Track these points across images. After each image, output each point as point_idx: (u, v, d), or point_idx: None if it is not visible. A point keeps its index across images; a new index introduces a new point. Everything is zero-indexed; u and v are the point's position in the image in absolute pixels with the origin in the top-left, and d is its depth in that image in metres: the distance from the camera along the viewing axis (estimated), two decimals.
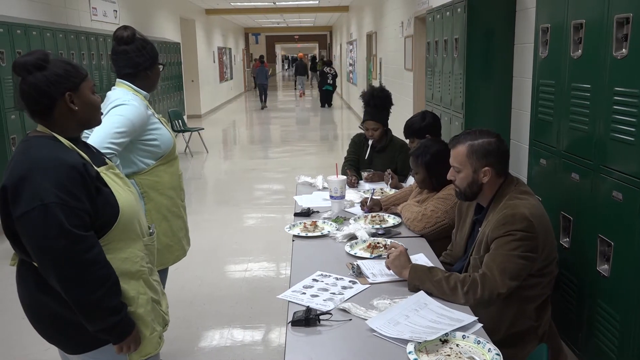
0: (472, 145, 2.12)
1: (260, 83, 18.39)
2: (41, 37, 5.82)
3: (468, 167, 2.13)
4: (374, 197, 3.02)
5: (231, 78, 21.24)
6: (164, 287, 2.83)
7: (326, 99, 17.80)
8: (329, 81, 17.39)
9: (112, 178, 1.73)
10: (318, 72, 18.67)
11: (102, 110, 1.99)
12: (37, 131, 1.66)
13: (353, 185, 3.50)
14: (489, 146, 2.11)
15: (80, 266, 1.55)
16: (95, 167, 1.67)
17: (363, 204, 3.00)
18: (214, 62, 17.58)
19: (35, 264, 1.61)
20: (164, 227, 2.51)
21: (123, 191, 1.73)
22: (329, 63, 18.83)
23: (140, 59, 2.44)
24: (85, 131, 1.97)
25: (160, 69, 2.54)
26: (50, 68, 1.62)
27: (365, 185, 3.55)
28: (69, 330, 1.67)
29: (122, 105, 2.33)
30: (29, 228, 1.53)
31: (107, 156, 2.26)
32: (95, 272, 1.58)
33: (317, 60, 18.60)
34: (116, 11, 9.14)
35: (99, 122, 1.79)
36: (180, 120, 10.04)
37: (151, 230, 1.88)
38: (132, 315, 1.70)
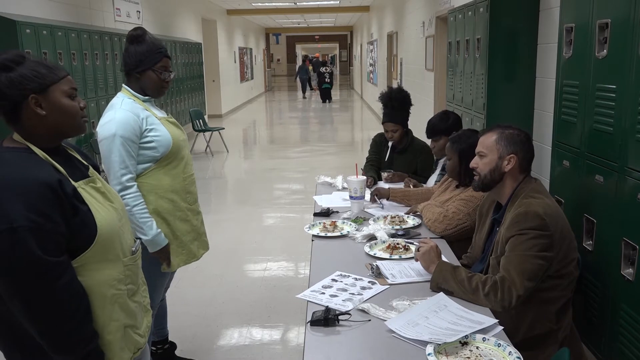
0: (502, 133, 2.18)
1: (302, 77, 23.00)
2: (66, 37, 5.92)
3: (494, 152, 2.17)
4: (382, 186, 3.09)
5: (252, 78, 21.35)
6: (167, 290, 2.82)
7: (326, 96, 19.74)
8: (327, 80, 19.46)
9: (91, 193, 1.57)
10: (316, 73, 21.10)
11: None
12: (12, 140, 1.52)
13: (369, 186, 3.50)
14: (518, 137, 2.17)
15: (50, 295, 1.42)
16: (73, 182, 1.51)
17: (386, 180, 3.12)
18: (235, 62, 17.69)
19: None
20: (164, 231, 2.44)
21: (103, 208, 1.57)
22: (324, 63, 20.87)
23: (129, 59, 2.41)
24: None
25: (156, 76, 2.41)
26: (18, 69, 1.47)
27: (385, 186, 3.54)
28: (28, 348, 1.52)
29: (106, 127, 2.32)
30: None
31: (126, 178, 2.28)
32: (66, 301, 1.45)
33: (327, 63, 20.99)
34: (139, 12, 9.26)
35: (77, 130, 1.59)
36: (201, 120, 10.13)
37: (133, 249, 1.70)
38: (101, 341, 1.56)
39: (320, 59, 24.23)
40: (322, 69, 19.79)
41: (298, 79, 24.12)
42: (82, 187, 1.55)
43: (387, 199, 3.08)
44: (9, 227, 1.36)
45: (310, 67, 24.14)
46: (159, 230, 2.38)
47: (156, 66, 2.40)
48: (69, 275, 1.46)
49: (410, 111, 3.76)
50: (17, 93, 1.47)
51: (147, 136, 2.38)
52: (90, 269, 1.52)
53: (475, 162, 2.24)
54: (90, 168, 1.68)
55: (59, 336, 1.46)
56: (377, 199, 3.11)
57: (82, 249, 1.50)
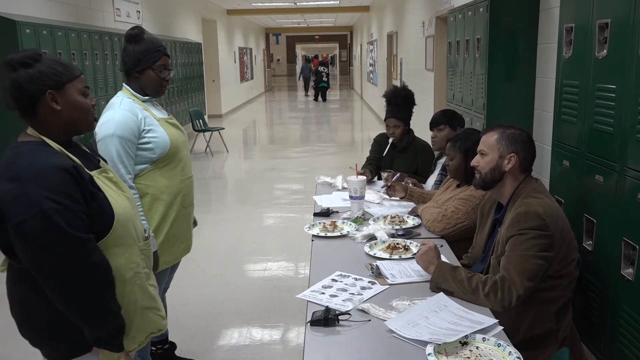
0: (504, 132, 2.19)
1: (305, 76, 23.82)
2: (66, 37, 5.92)
3: (495, 151, 2.18)
4: (402, 182, 3.12)
5: (252, 78, 21.36)
6: (166, 290, 2.84)
7: (322, 94, 20.51)
8: (324, 79, 20.24)
9: (105, 182, 1.68)
10: (313, 72, 21.87)
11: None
12: (27, 134, 1.62)
13: (365, 172, 3.61)
14: (519, 137, 2.17)
15: (84, 270, 1.52)
16: (88, 171, 1.62)
17: (386, 182, 3.12)
18: (235, 62, 17.69)
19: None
20: (155, 232, 2.43)
21: (117, 196, 1.68)
22: (323, 63, 21.50)
23: (127, 59, 2.40)
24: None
25: (155, 75, 2.40)
26: (36, 66, 1.57)
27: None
28: (54, 336, 1.63)
29: (105, 127, 2.30)
30: (28, 236, 1.47)
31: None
32: (99, 275, 1.56)
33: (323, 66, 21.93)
34: (139, 12, 9.25)
35: (88, 127, 1.70)
36: (201, 120, 10.12)
37: (146, 235, 1.84)
38: None
39: (309, 59, 25.10)
40: (320, 68, 20.31)
41: (301, 77, 24.91)
42: (97, 177, 1.65)
43: (404, 198, 3.06)
44: (40, 210, 1.46)
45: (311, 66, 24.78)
46: (152, 234, 2.37)
47: (155, 65, 2.39)
48: (99, 252, 1.57)
49: (413, 110, 3.76)
50: (35, 88, 1.56)
51: (144, 137, 2.37)
52: (110, 254, 1.62)
53: (476, 161, 2.24)
54: (100, 160, 1.78)
55: (95, 310, 1.56)
56: (390, 193, 3.10)
57: (102, 233, 1.60)
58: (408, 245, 2.41)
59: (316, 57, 28.33)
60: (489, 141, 2.20)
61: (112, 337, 1.61)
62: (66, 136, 1.66)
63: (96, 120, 1.73)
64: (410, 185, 3.34)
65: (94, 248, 1.56)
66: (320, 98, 20.51)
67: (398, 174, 3.21)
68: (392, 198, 3.15)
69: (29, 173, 1.50)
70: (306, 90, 23.87)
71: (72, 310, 1.55)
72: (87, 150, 1.76)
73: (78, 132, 1.69)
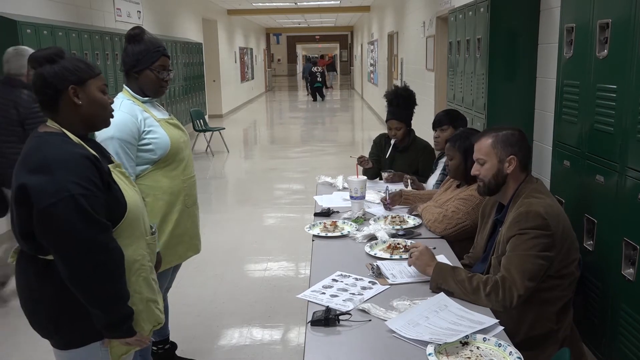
0: (497, 136, 2.17)
1: (306, 76, 23.16)
2: (67, 37, 5.92)
3: (493, 157, 2.16)
4: (390, 192, 3.04)
5: (252, 78, 21.37)
6: (168, 290, 2.86)
7: (318, 93, 20.78)
8: (318, 79, 20.52)
9: (119, 176, 1.76)
10: (308, 72, 22.11)
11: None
12: (47, 126, 1.68)
13: (363, 161, 3.62)
14: (513, 137, 2.16)
15: (107, 255, 1.59)
16: (106, 164, 1.72)
17: (384, 202, 3.01)
18: (236, 62, 17.70)
19: (43, 257, 1.63)
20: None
21: (129, 189, 1.77)
22: (315, 63, 21.96)
23: (127, 59, 2.40)
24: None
25: (154, 75, 2.40)
26: (61, 62, 1.66)
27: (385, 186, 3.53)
28: (64, 324, 1.67)
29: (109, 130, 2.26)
30: (56, 219, 1.53)
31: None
32: (117, 261, 1.63)
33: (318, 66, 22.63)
34: (140, 12, 9.26)
35: (105, 123, 1.78)
36: (201, 120, 10.12)
37: (153, 230, 1.91)
38: None
39: (312, 59, 25.25)
40: (314, 69, 20.40)
41: (303, 77, 25.24)
42: (113, 170, 1.72)
43: (402, 198, 3.05)
44: (69, 194, 1.53)
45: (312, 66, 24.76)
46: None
47: (154, 65, 2.39)
48: (116, 240, 1.65)
49: (414, 110, 3.76)
50: (59, 82, 1.65)
51: (144, 138, 2.37)
52: (121, 244, 1.67)
53: (476, 169, 2.23)
54: (110, 156, 1.86)
55: (111, 295, 1.62)
56: (389, 204, 3.06)
57: (114, 223, 1.67)
58: (408, 246, 2.41)
59: (322, 57, 28.46)
60: (485, 148, 2.18)
61: (123, 322, 1.66)
62: (84, 130, 1.73)
63: (112, 117, 1.80)
64: (410, 184, 3.34)
65: (113, 235, 1.64)
66: (319, 97, 20.55)
67: (387, 187, 3.18)
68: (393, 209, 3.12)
69: (57, 160, 1.57)
70: (307, 90, 23.97)
71: (90, 294, 1.60)
72: (99, 146, 1.83)
73: (95, 127, 1.78)
